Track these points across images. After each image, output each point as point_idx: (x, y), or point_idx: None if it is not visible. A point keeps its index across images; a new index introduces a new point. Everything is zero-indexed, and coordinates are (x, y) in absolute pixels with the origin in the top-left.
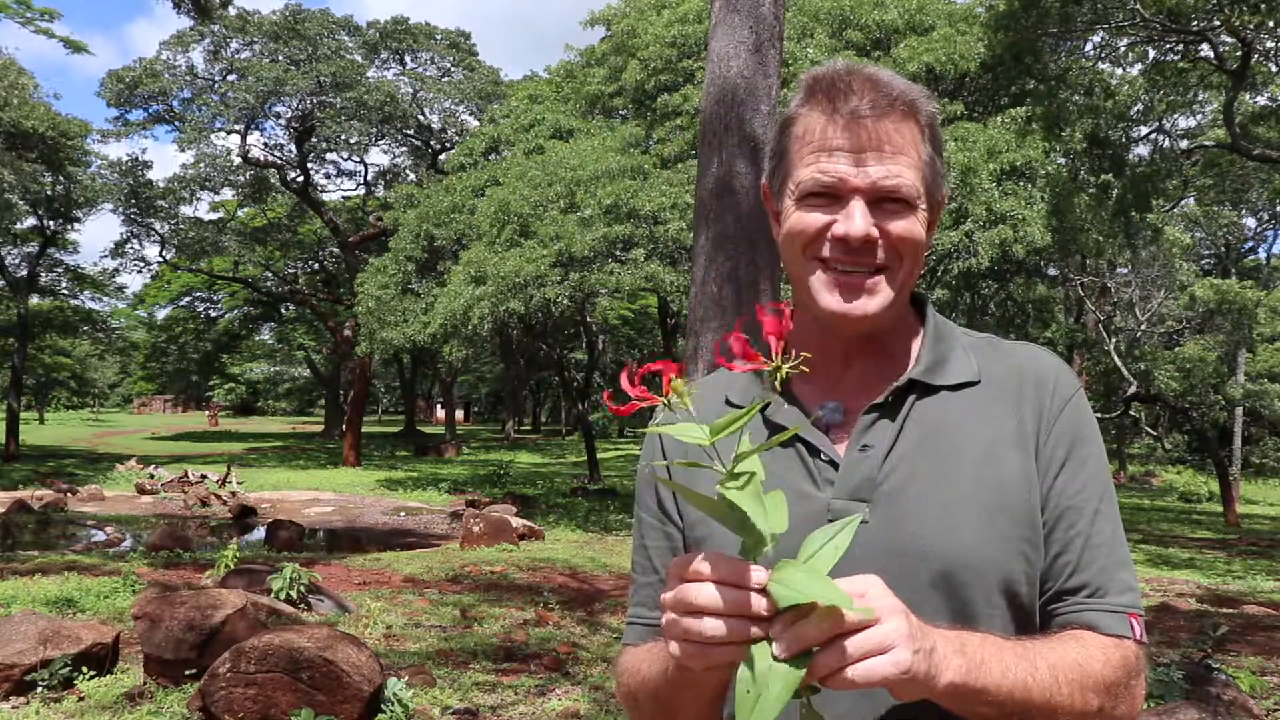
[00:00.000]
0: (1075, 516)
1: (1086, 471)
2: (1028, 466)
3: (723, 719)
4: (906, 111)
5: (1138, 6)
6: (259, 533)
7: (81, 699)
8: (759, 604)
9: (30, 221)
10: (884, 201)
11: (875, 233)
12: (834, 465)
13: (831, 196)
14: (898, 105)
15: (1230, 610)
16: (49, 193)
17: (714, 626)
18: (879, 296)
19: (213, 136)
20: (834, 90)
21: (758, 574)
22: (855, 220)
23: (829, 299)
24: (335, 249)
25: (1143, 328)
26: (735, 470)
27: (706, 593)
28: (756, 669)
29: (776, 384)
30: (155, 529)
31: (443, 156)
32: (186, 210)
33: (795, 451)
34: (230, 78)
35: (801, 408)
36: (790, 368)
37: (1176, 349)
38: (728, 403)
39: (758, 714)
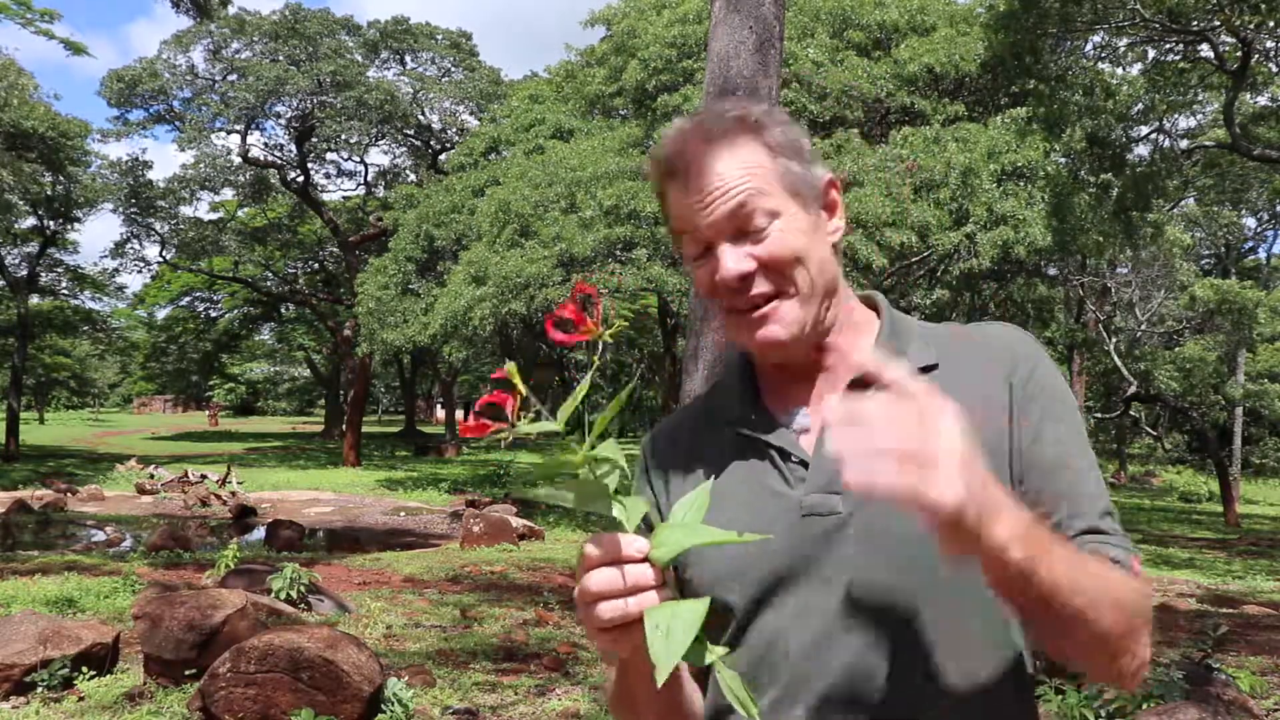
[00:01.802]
0: (1060, 473)
1: (1065, 426)
2: (998, 438)
3: (696, 711)
4: (734, 135)
5: (1138, 6)
6: (259, 533)
7: (81, 699)
8: (644, 574)
9: (30, 221)
10: (746, 232)
11: (747, 266)
12: (804, 465)
13: (707, 250)
14: (723, 138)
15: (1230, 610)
16: (49, 193)
17: (610, 608)
18: (780, 322)
19: (213, 136)
20: (671, 163)
21: (636, 543)
22: (724, 263)
23: (744, 338)
24: (335, 249)
25: (1143, 328)
26: (593, 454)
27: (595, 578)
28: (659, 615)
29: (597, 355)
30: (155, 529)
31: (443, 156)
32: (186, 210)
33: (770, 459)
34: (230, 77)
35: (772, 419)
36: (610, 334)
37: (1176, 349)
38: (708, 420)
39: (668, 648)
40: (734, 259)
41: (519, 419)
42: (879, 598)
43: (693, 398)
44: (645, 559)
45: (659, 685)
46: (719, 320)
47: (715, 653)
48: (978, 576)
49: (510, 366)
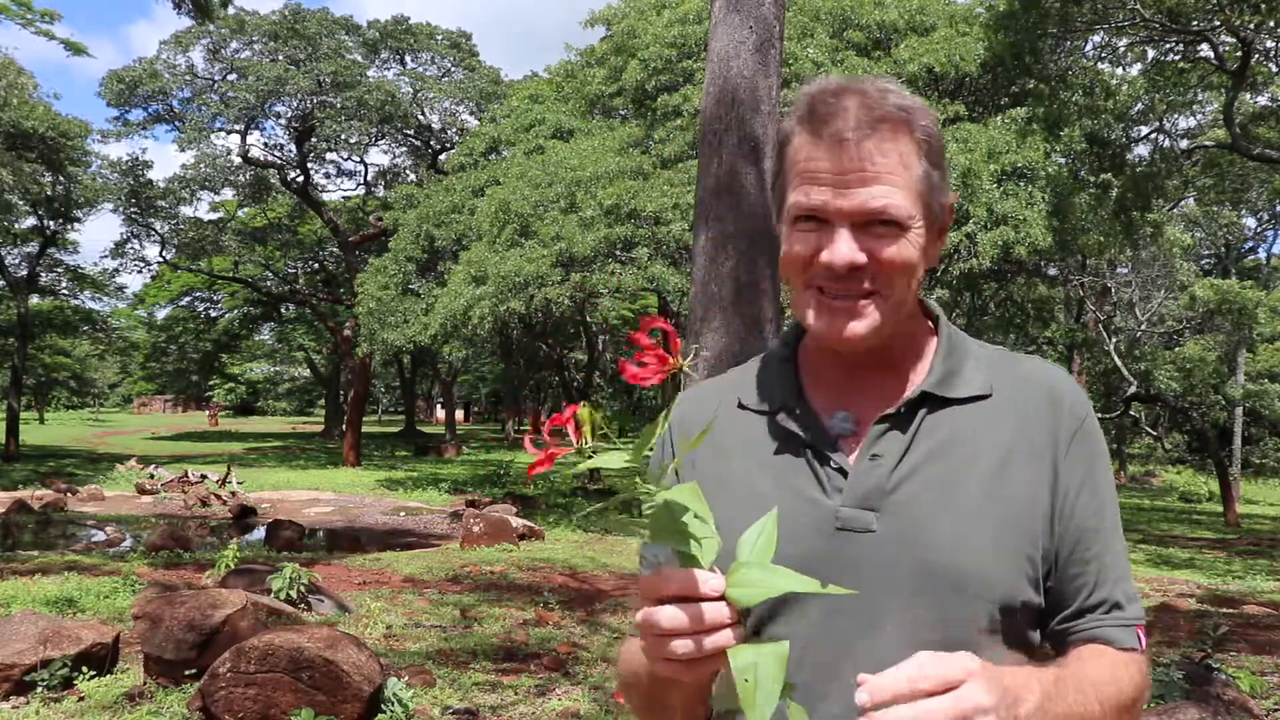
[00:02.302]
0: (1093, 538)
1: (1101, 492)
2: (1038, 483)
3: (711, 707)
4: (896, 128)
5: (1138, 6)
6: (259, 533)
7: (81, 699)
8: (720, 613)
9: (30, 221)
10: (872, 225)
11: (860, 259)
12: (843, 473)
13: (819, 221)
14: (886, 123)
15: (1230, 610)
16: (49, 193)
17: (684, 646)
18: (866, 320)
19: (213, 136)
20: (818, 111)
21: (712, 581)
22: (839, 248)
23: (817, 323)
24: (335, 249)
25: (1143, 328)
26: (670, 497)
27: (668, 615)
28: (743, 661)
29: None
30: (155, 529)
31: (443, 156)
32: (186, 210)
33: (805, 459)
34: (230, 77)
35: (814, 416)
36: (687, 365)
37: (1176, 349)
38: (740, 406)
39: (758, 700)
40: (851, 248)
41: (583, 450)
42: (903, 618)
43: (713, 380)
44: (721, 597)
45: None
46: (719, 320)
47: (797, 711)
48: (984, 622)
49: (583, 412)
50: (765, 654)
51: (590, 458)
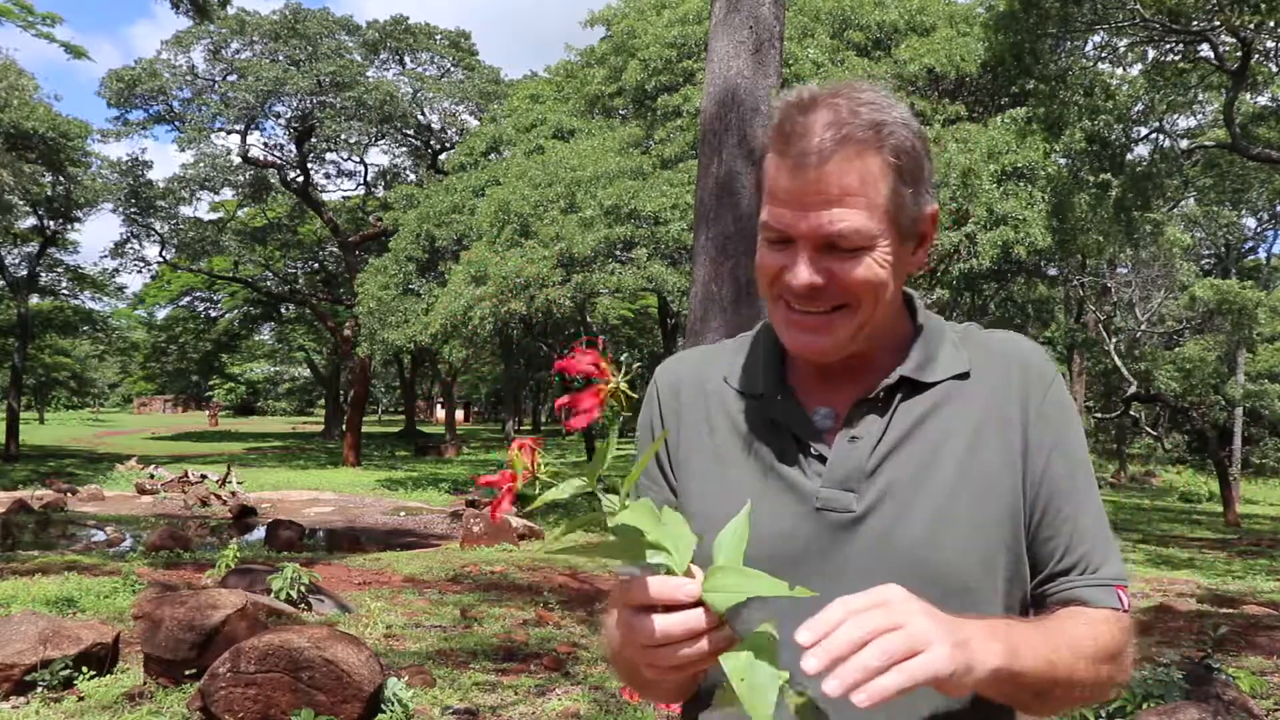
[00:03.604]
0: (1063, 501)
1: (1073, 454)
2: (1011, 451)
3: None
4: (862, 148)
5: (1138, 7)
6: (259, 533)
7: (81, 699)
8: (698, 622)
9: (30, 221)
10: (834, 246)
11: (819, 281)
12: (823, 460)
13: (785, 239)
14: (851, 143)
15: (1230, 610)
16: (49, 193)
17: (667, 655)
18: (832, 336)
19: (213, 136)
20: (785, 130)
21: (687, 588)
22: (798, 271)
23: (786, 336)
24: (335, 249)
25: (1143, 328)
26: (621, 523)
27: (646, 630)
28: (735, 665)
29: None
30: (155, 529)
31: (443, 156)
32: (186, 210)
33: (788, 445)
34: (230, 78)
35: (798, 405)
36: (622, 386)
37: (1176, 349)
38: (725, 382)
39: (758, 700)
40: (809, 272)
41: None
42: None
43: (703, 348)
44: (698, 603)
45: None
46: (719, 320)
47: (791, 696)
48: (976, 600)
49: (513, 455)
50: (757, 653)
51: (542, 491)
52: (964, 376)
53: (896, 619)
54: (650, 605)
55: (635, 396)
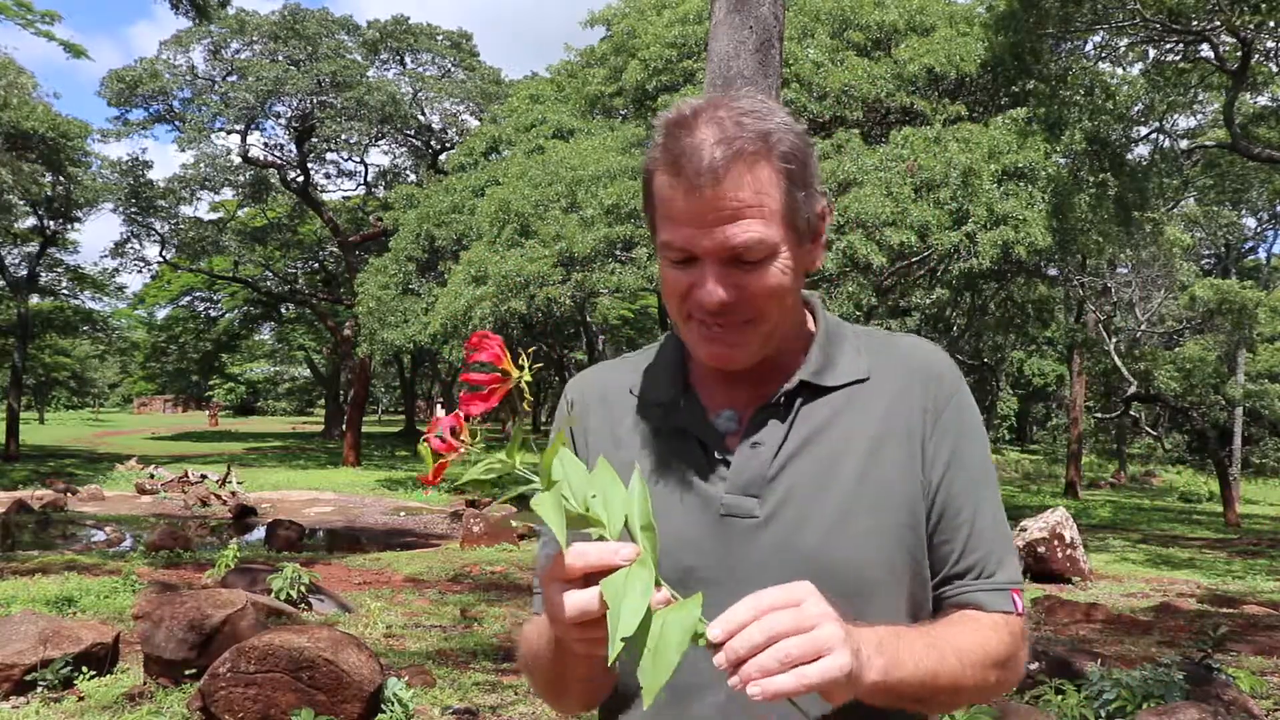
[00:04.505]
0: (958, 507)
1: (969, 466)
2: (912, 460)
3: (615, 677)
4: (754, 159)
5: (1138, 7)
6: (259, 533)
7: (81, 699)
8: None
9: (30, 221)
10: (738, 259)
11: (729, 296)
12: (727, 465)
13: (690, 259)
14: (742, 157)
15: (1230, 610)
16: (49, 193)
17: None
18: (745, 348)
19: (213, 136)
20: (672, 151)
21: (625, 551)
22: (708, 289)
23: (701, 351)
24: (335, 249)
25: (1143, 328)
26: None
27: (586, 596)
28: (652, 626)
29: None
30: (155, 529)
31: (443, 156)
32: (186, 210)
33: (692, 450)
34: (230, 78)
35: (701, 410)
36: (525, 381)
37: (1176, 349)
38: (630, 393)
39: (658, 666)
40: (719, 286)
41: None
42: None
43: (619, 360)
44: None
45: (645, 707)
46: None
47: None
48: (876, 604)
49: (424, 445)
50: (671, 622)
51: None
52: (862, 381)
53: (805, 621)
54: (586, 575)
55: (530, 398)
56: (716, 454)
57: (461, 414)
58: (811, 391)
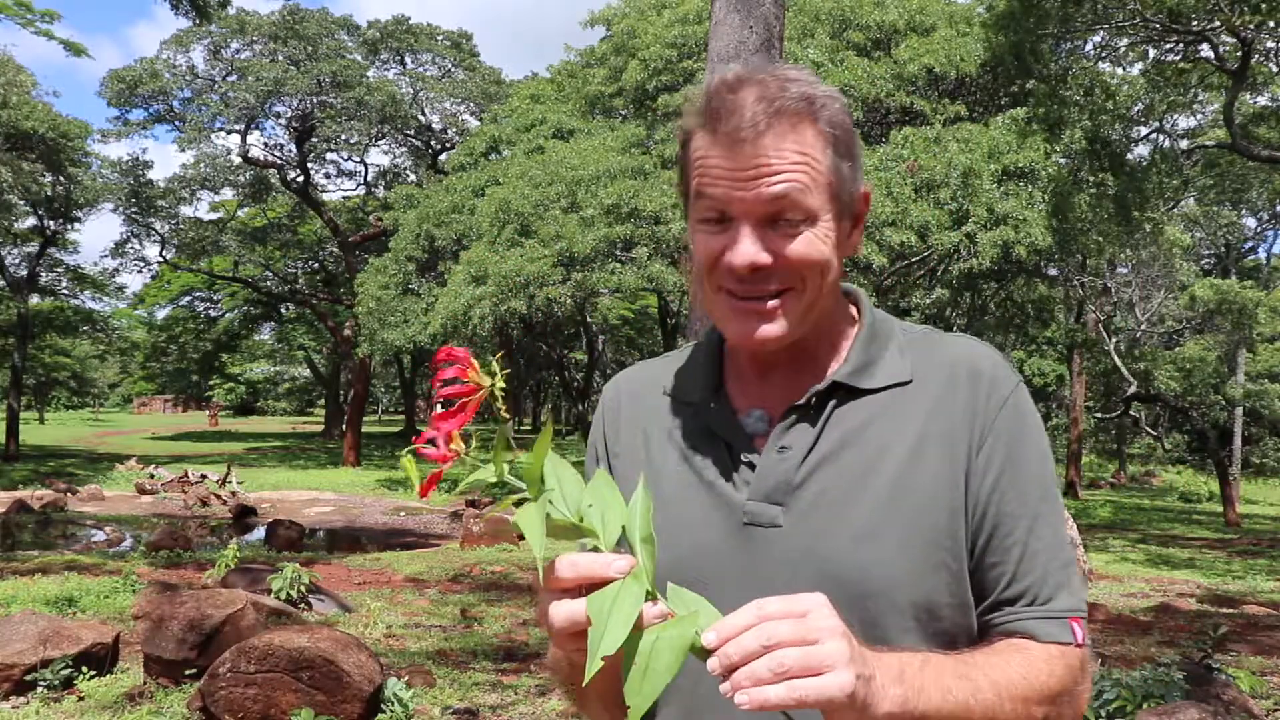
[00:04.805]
0: (1012, 525)
1: (1025, 475)
2: (954, 469)
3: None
4: (797, 120)
5: (1138, 7)
6: (259, 533)
7: (81, 699)
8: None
9: (30, 221)
10: (777, 221)
11: (764, 259)
12: (753, 468)
13: (723, 221)
14: (785, 115)
15: (1230, 610)
16: (49, 193)
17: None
18: (780, 321)
19: (213, 136)
20: (714, 108)
21: (618, 564)
22: (741, 248)
23: (729, 327)
24: (335, 249)
25: (1143, 328)
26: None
27: (576, 608)
28: (644, 644)
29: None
30: (155, 529)
31: (443, 156)
32: (186, 210)
33: (720, 453)
34: (230, 78)
35: (731, 411)
36: (497, 389)
37: (1176, 349)
38: (664, 393)
39: (646, 686)
40: (754, 247)
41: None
42: None
43: (655, 361)
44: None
45: None
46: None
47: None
48: (899, 623)
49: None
50: (664, 639)
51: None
52: (904, 384)
53: (808, 634)
54: (578, 586)
55: (503, 406)
56: (743, 457)
57: (442, 429)
58: (846, 393)
